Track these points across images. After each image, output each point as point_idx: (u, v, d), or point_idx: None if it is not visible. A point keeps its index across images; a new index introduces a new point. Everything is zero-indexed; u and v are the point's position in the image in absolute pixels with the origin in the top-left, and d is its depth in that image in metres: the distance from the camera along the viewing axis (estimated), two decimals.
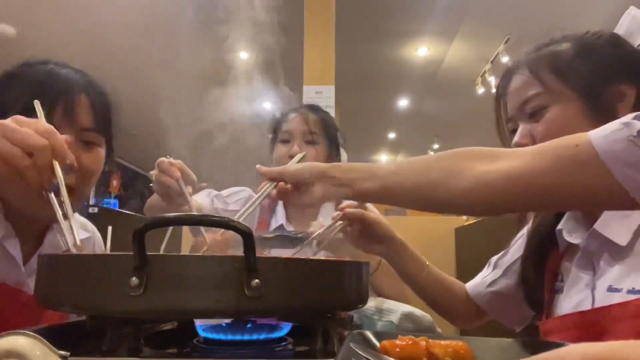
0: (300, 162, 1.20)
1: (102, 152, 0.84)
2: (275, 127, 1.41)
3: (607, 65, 0.72)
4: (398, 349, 0.61)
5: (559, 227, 0.78)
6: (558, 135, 0.67)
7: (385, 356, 0.54)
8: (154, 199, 1.18)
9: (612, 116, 0.66)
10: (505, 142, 0.85)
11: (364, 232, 0.93)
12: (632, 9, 0.80)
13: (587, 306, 0.68)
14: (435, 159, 0.63)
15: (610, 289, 0.66)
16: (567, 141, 0.56)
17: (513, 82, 0.80)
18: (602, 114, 0.69)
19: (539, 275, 0.80)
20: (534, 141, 0.75)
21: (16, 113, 0.73)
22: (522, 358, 0.26)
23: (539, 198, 0.56)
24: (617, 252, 0.67)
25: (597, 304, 0.67)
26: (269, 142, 1.43)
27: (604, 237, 0.68)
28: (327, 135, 1.39)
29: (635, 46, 0.77)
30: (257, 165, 0.74)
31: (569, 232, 0.76)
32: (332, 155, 1.41)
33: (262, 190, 0.78)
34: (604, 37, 0.76)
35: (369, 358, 0.45)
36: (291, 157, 1.32)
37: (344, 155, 1.51)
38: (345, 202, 0.94)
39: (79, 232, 0.92)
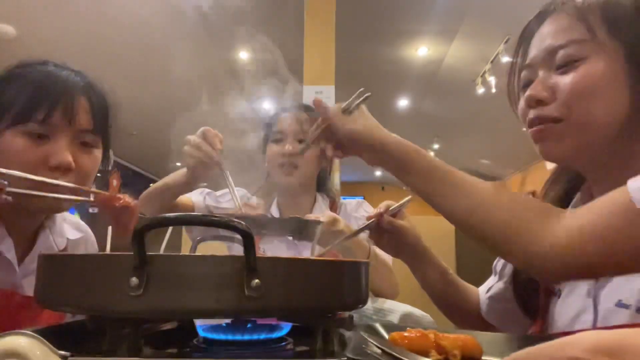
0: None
1: (99, 152, 0.85)
2: (269, 125, 1.41)
3: None
4: (407, 341, 0.61)
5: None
6: (589, 95, 0.59)
7: (394, 346, 0.54)
8: (151, 188, 1.19)
9: None
10: (513, 102, 0.75)
11: (393, 238, 0.91)
12: None
13: (588, 319, 0.63)
14: (510, 211, 0.57)
15: (620, 304, 0.59)
16: (618, 196, 0.50)
17: (549, 22, 0.66)
18: None
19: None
20: (553, 96, 0.63)
21: (15, 113, 0.75)
22: None
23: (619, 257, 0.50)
24: None
25: (601, 319, 0.61)
26: (262, 141, 1.43)
27: None
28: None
29: None
30: None
31: None
32: (324, 161, 1.41)
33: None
34: None
35: (379, 345, 0.45)
36: (283, 155, 1.33)
37: None
38: (384, 204, 0.94)
39: (71, 232, 0.93)
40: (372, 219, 0.90)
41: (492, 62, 4.83)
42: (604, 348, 0.23)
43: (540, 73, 0.65)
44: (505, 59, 4.47)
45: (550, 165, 0.81)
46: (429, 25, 4.64)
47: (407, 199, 0.91)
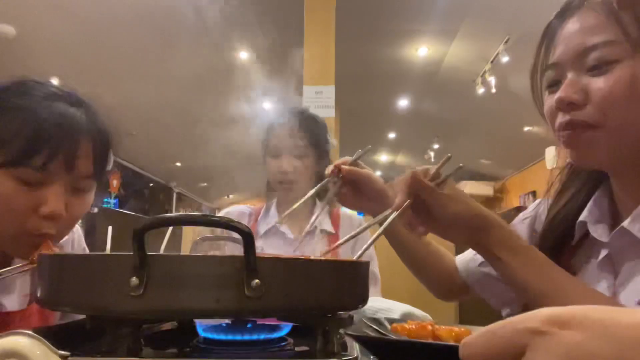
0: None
1: (92, 195, 0.78)
2: (265, 140, 1.42)
3: None
4: (406, 331, 0.69)
5: (582, 218, 0.69)
6: (626, 100, 0.57)
7: (391, 332, 0.57)
8: None
9: None
10: (538, 103, 0.71)
11: (356, 189, 0.87)
12: None
13: None
14: None
15: None
16: None
17: (576, 19, 0.63)
18: None
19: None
20: (586, 99, 0.60)
21: (10, 155, 0.67)
22: None
23: None
24: None
25: None
26: (263, 150, 1.44)
27: (635, 237, 0.60)
28: (316, 145, 1.40)
29: None
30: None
31: (594, 226, 0.67)
32: (322, 165, 1.42)
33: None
34: None
35: (377, 328, 0.46)
36: (281, 174, 1.35)
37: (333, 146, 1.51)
38: (340, 159, 0.90)
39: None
40: (333, 170, 0.85)
41: (492, 62, 4.83)
42: (557, 319, 0.25)
43: (569, 74, 0.62)
44: (505, 59, 4.47)
45: (550, 165, 0.80)
46: (429, 25, 4.65)
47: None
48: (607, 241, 0.65)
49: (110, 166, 0.81)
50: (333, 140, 1.51)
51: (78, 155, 0.71)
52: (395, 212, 0.68)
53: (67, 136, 0.70)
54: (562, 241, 0.73)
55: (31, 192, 0.68)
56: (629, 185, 0.65)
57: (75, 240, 0.97)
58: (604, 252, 0.66)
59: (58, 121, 0.69)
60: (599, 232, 0.66)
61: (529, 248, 0.66)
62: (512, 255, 0.65)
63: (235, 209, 1.50)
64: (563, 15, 0.65)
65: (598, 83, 0.59)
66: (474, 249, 0.72)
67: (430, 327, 0.71)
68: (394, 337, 0.70)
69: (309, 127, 1.40)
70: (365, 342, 0.53)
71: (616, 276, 0.64)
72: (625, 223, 0.61)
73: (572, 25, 0.63)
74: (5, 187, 0.67)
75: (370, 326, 0.74)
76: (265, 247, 1.38)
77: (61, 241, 0.88)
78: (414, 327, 0.72)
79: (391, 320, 0.79)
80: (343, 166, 0.87)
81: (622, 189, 0.67)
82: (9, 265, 0.70)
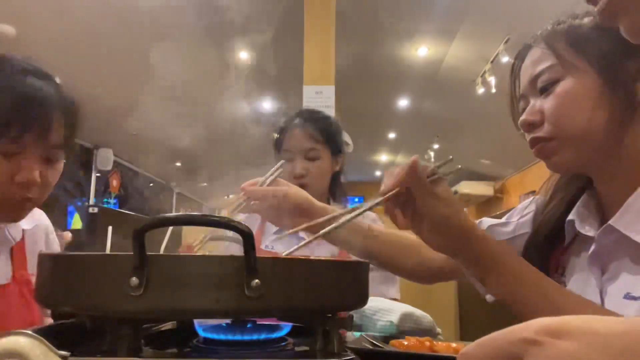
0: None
1: (62, 164, 0.85)
2: (277, 142, 1.41)
3: (624, 39, 0.61)
4: (404, 347, 0.66)
5: (570, 217, 0.73)
6: (569, 111, 0.67)
7: (390, 347, 0.57)
8: None
9: (630, 95, 0.64)
10: (517, 121, 0.78)
11: (279, 209, 0.87)
12: None
13: None
14: None
15: (628, 297, 0.60)
16: None
17: (528, 56, 0.74)
18: (620, 91, 0.64)
19: (542, 267, 0.72)
20: (542, 118, 0.69)
21: None
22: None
23: None
24: (636, 252, 0.61)
25: None
26: (274, 152, 1.43)
27: (622, 234, 0.62)
28: (330, 145, 1.39)
29: None
30: None
31: (582, 224, 0.71)
32: (334, 164, 1.42)
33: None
34: None
35: (373, 341, 0.45)
36: (295, 177, 1.33)
37: (349, 146, 1.50)
38: (248, 182, 0.89)
39: (24, 222, 0.94)
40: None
41: (492, 62, 4.83)
42: (552, 329, 0.25)
43: (531, 101, 0.73)
44: (506, 59, 4.47)
45: None
46: (429, 25, 4.65)
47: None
48: (595, 237, 0.67)
49: (110, 165, 0.85)
50: (348, 140, 1.49)
51: (50, 127, 0.77)
52: (381, 197, 0.67)
53: (40, 109, 0.76)
54: (553, 240, 0.76)
55: (7, 162, 0.75)
56: (610, 186, 0.70)
57: (48, 230, 1.01)
58: (592, 248, 0.68)
59: (31, 95, 0.75)
60: (586, 228, 0.70)
61: (518, 261, 0.66)
62: (500, 269, 0.65)
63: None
64: (522, 53, 0.77)
65: (547, 102, 0.69)
66: (454, 258, 0.70)
67: (428, 343, 0.71)
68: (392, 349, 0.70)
69: (323, 128, 1.39)
70: (365, 355, 0.53)
71: (604, 272, 0.66)
72: (612, 220, 0.64)
73: (526, 62, 0.75)
74: None
75: (370, 341, 0.74)
76: (275, 246, 1.37)
77: (30, 229, 0.94)
78: (411, 343, 0.73)
79: (386, 338, 0.78)
80: (248, 188, 0.87)
81: (605, 190, 0.71)
82: None
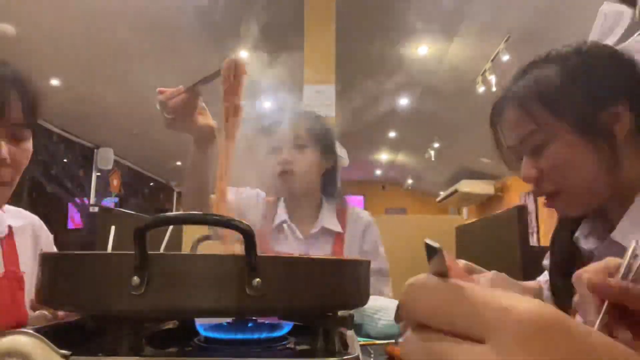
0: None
1: (30, 144, 0.87)
2: (268, 137, 1.42)
3: (596, 88, 0.69)
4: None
5: (576, 234, 0.76)
6: (565, 169, 0.71)
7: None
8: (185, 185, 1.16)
9: (611, 140, 0.68)
10: (510, 164, 0.84)
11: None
12: (603, 7, 0.77)
13: None
14: None
15: None
16: None
17: (506, 114, 0.77)
18: (600, 141, 0.69)
19: (568, 285, 0.68)
20: (541, 174, 0.74)
21: None
22: None
23: None
24: None
25: None
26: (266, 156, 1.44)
27: (621, 245, 0.65)
28: (318, 140, 1.40)
29: (612, 45, 0.73)
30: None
31: (586, 239, 0.74)
32: (324, 160, 1.42)
33: None
34: (590, 53, 0.72)
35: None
36: (280, 163, 1.35)
37: (343, 160, 1.51)
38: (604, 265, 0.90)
39: (12, 220, 0.95)
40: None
41: (492, 60, 4.82)
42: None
43: (524, 157, 0.76)
44: (506, 58, 4.46)
45: None
46: (429, 24, 4.64)
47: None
48: (599, 252, 0.70)
49: (111, 164, 0.86)
50: (343, 154, 1.50)
51: (7, 103, 0.80)
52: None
53: None
54: (572, 255, 0.78)
55: None
56: (618, 207, 0.72)
57: (35, 227, 1.02)
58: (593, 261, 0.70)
59: None
60: (589, 244, 0.73)
61: None
62: None
63: (250, 190, 1.49)
64: (497, 107, 0.80)
65: (541, 163, 0.73)
66: None
67: None
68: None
69: (313, 122, 1.42)
70: None
71: None
72: (613, 234, 0.67)
73: (506, 117, 0.77)
74: None
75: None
76: (272, 244, 1.38)
77: (18, 226, 0.96)
78: None
79: (392, 321, 0.79)
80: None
81: (612, 210, 0.74)
82: None
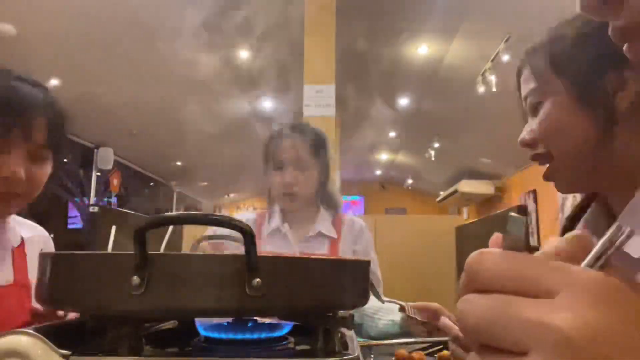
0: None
1: (50, 164, 0.91)
2: (267, 152, 1.43)
3: (604, 48, 0.59)
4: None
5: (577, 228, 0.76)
6: (553, 133, 0.69)
7: None
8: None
9: (609, 109, 0.63)
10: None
11: None
12: None
13: None
14: None
15: None
16: None
17: (522, 75, 0.76)
18: (598, 106, 0.64)
19: None
20: (535, 136, 0.72)
21: None
22: None
23: None
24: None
25: None
26: (263, 165, 1.45)
27: None
28: (319, 158, 1.41)
29: None
30: None
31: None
32: (322, 178, 1.44)
33: None
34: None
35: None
36: (284, 186, 1.36)
37: (337, 181, 1.53)
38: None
39: (23, 231, 0.99)
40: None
41: (492, 60, 4.82)
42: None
43: (528, 119, 0.76)
44: (506, 58, 4.46)
45: None
46: (429, 24, 4.64)
47: None
48: None
49: (111, 164, 0.88)
50: (332, 153, 1.52)
51: (33, 127, 0.84)
52: None
53: (23, 110, 0.83)
54: None
55: None
56: (615, 195, 0.70)
57: (42, 239, 1.05)
58: None
59: (14, 98, 0.83)
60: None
61: None
62: None
63: (242, 216, 1.53)
64: (518, 71, 0.78)
65: (535, 124, 0.72)
66: None
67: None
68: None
69: (313, 138, 1.42)
70: None
71: None
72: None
73: (522, 78, 0.76)
74: None
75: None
76: (267, 248, 1.38)
77: (28, 237, 1.00)
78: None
79: (392, 322, 0.81)
80: None
81: (612, 199, 0.71)
82: None
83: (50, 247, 1.07)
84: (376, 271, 1.45)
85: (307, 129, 1.46)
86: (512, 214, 0.26)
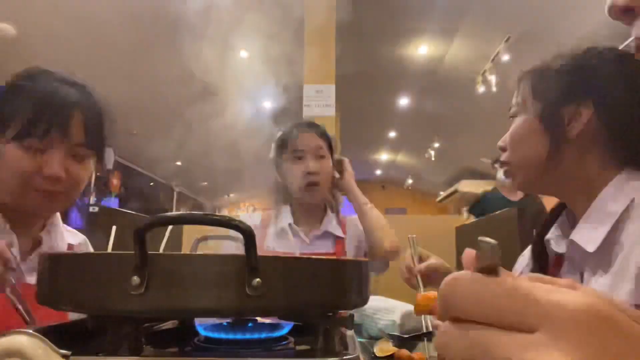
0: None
1: (90, 163, 0.92)
2: (282, 145, 1.42)
3: (568, 83, 0.76)
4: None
5: (547, 236, 0.81)
6: (517, 143, 0.81)
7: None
8: None
9: (561, 135, 0.75)
10: None
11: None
12: None
13: None
14: None
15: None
16: None
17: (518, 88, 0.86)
18: (555, 128, 0.76)
19: None
20: (504, 146, 0.84)
21: (17, 129, 0.82)
22: None
23: None
24: (596, 261, 0.68)
25: None
26: (274, 157, 1.44)
27: (583, 248, 0.69)
28: (331, 154, 1.43)
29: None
30: None
31: (556, 241, 0.79)
32: (335, 170, 1.45)
33: None
34: (590, 53, 0.77)
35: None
36: (309, 174, 1.35)
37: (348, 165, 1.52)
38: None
39: (71, 238, 1.00)
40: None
41: (492, 60, 4.82)
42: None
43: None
44: (506, 58, 4.46)
45: None
46: (429, 24, 4.64)
47: None
48: (567, 252, 0.75)
49: (111, 164, 0.89)
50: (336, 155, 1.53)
51: (71, 126, 0.85)
52: None
53: (61, 110, 0.84)
54: (545, 257, 0.84)
55: (36, 158, 0.84)
56: (575, 206, 0.79)
57: (88, 248, 1.07)
58: (564, 264, 0.77)
59: (53, 98, 0.85)
60: (559, 246, 0.78)
61: None
62: None
63: (245, 216, 1.53)
64: (519, 77, 0.87)
65: (508, 133, 0.84)
66: None
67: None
68: None
69: (325, 132, 1.44)
70: None
71: (582, 283, 0.72)
72: (571, 235, 0.72)
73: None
74: (16, 155, 0.83)
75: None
76: (277, 248, 1.38)
77: (75, 244, 1.02)
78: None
79: (392, 321, 0.82)
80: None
81: (574, 209, 0.80)
82: (25, 223, 0.89)
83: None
84: None
85: (319, 126, 1.47)
86: (482, 238, 0.25)
